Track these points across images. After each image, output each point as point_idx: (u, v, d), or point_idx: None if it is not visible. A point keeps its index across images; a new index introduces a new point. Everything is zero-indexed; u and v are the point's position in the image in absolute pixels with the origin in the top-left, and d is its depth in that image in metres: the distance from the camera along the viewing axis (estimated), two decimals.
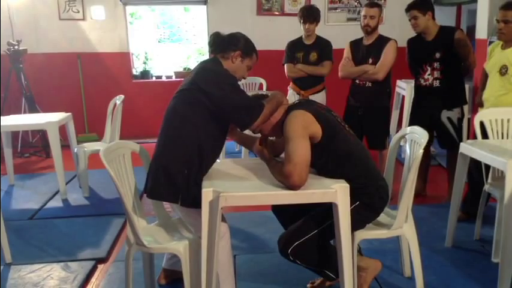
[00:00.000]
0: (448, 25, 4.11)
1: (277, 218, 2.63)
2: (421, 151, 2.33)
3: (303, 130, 2.19)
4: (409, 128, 2.66)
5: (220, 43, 2.45)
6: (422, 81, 3.83)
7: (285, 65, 4.50)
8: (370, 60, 3.90)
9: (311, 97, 4.42)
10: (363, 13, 3.96)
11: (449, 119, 3.77)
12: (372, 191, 2.34)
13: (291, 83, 4.57)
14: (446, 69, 3.71)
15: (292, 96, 4.51)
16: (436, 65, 3.72)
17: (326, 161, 2.28)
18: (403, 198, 2.38)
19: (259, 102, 2.35)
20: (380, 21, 3.97)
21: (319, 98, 4.45)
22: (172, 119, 2.37)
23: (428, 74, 3.77)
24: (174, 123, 2.36)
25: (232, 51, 2.41)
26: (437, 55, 3.70)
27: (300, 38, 4.49)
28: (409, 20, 3.73)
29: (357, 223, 2.31)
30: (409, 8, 3.71)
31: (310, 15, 4.33)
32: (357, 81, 4.00)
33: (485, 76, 3.63)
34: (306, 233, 2.28)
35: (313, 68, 4.38)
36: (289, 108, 2.37)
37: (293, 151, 2.13)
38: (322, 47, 4.40)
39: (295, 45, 4.48)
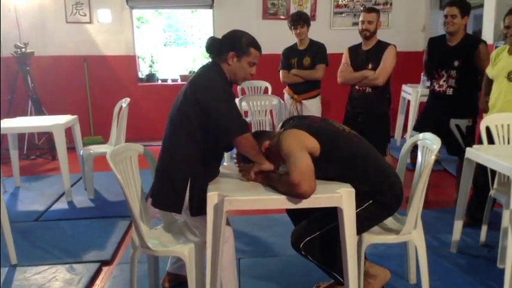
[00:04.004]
0: (473, 34, 4.04)
1: (290, 219, 2.62)
2: (433, 157, 2.32)
3: (300, 144, 2.17)
4: (421, 135, 2.64)
5: (215, 47, 2.40)
6: (436, 86, 3.79)
7: (280, 71, 4.60)
8: (370, 66, 3.86)
9: (304, 102, 4.52)
10: (361, 18, 3.93)
11: (457, 126, 3.73)
12: (385, 188, 2.31)
13: (286, 87, 4.69)
14: (462, 79, 3.66)
15: (287, 99, 4.67)
16: (452, 72, 3.67)
17: (334, 170, 2.25)
18: (413, 204, 2.37)
19: (246, 124, 2.29)
20: (379, 26, 3.95)
21: (313, 104, 4.52)
22: (172, 128, 2.38)
23: (444, 81, 3.73)
24: (174, 133, 2.37)
25: (226, 53, 2.34)
26: (456, 63, 3.65)
27: (295, 44, 4.57)
28: (445, 17, 3.62)
29: (369, 222, 2.30)
30: (452, 4, 3.59)
31: (298, 19, 4.40)
32: (357, 87, 3.96)
33: (489, 81, 3.60)
34: (319, 228, 2.28)
35: (307, 72, 4.43)
36: (276, 138, 2.32)
37: (295, 163, 2.07)
38: (315, 51, 4.44)
39: (290, 52, 4.56)
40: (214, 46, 2.40)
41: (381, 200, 2.30)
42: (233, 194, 2.11)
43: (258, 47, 2.38)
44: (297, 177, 2.03)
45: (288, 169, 2.10)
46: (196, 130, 2.29)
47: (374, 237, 2.40)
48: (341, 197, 2.10)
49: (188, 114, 2.30)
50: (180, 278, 2.64)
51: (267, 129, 4.92)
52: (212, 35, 6.42)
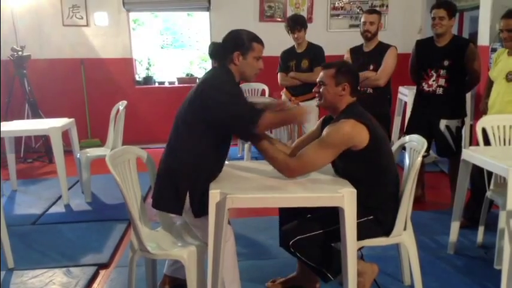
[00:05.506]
0: (461, 36, 4.08)
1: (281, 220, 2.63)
2: (420, 159, 2.34)
3: (342, 143, 2.24)
4: (407, 137, 2.66)
5: (218, 51, 2.42)
6: (425, 86, 3.80)
7: (278, 74, 4.64)
8: (371, 67, 3.91)
9: (301, 104, 4.52)
10: (362, 19, 4.00)
11: (447, 127, 3.76)
12: (389, 210, 2.37)
13: (284, 89, 4.74)
14: (452, 79, 3.69)
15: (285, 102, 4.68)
16: (442, 72, 3.70)
17: (359, 170, 2.30)
18: (401, 206, 2.38)
19: (257, 111, 2.29)
20: (379, 27, 3.99)
21: (311, 106, 4.50)
22: (175, 131, 2.39)
23: (433, 80, 3.75)
24: (177, 136, 2.38)
25: (231, 54, 2.35)
26: (446, 63, 3.67)
27: (293, 47, 4.60)
28: (433, 19, 3.65)
29: (363, 235, 2.30)
30: (439, 6, 3.63)
31: (296, 23, 4.43)
32: (358, 87, 3.99)
33: (490, 83, 3.62)
34: (311, 230, 2.30)
35: (305, 75, 4.46)
36: (349, 109, 2.40)
37: (313, 155, 2.26)
38: (313, 54, 4.48)
39: (288, 54, 4.60)
40: (217, 51, 2.42)
41: (380, 219, 2.35)
42: (235, 192, 2.13)
43: (259, 41, 2.42)
44: (296, 166, 2.25)
45: (305, 149, 2.28)
46: (200, 135, 2.30)
47: (364, 240, 2.38)
48: (342, 197, 2.11)
49: (193, 120, 2.31)
50: (178, 281, 2.64)
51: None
52: (209, 37, 6.45)
